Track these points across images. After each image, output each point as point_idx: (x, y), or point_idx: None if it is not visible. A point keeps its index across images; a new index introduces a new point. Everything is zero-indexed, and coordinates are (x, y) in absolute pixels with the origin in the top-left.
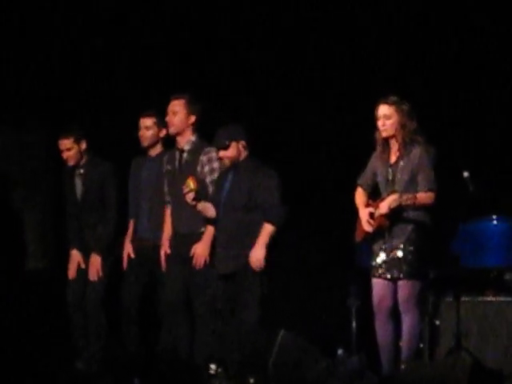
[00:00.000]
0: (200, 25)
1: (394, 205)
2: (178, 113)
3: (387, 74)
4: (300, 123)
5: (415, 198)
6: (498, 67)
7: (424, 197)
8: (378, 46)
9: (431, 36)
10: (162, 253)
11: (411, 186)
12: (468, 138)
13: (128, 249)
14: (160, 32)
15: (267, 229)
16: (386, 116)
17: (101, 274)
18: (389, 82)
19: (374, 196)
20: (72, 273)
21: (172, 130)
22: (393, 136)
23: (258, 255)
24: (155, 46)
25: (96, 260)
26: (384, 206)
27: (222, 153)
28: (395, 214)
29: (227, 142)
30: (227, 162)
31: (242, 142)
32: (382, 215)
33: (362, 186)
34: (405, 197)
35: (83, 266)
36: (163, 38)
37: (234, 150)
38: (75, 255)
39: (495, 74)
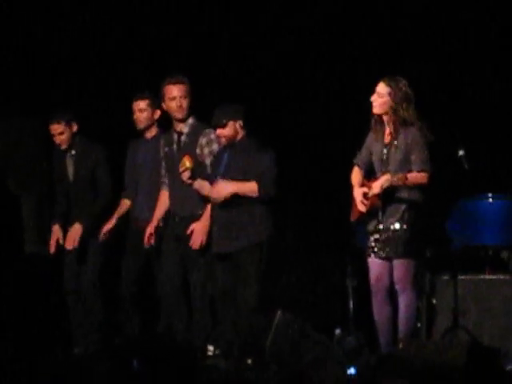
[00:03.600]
0: (196, 6)
1: (386, 185)
2: (187, 97)
3: (384, 52)
4: (296, 103)
5: (406, 178)
6: (494, 45)
7: (416, 177)
8: (374, 27)
9: (428, 16)
10: (148, 229)
11: (405, 165)
12: (463, 116)
13: (112, 221)
14: (153, 12)
15: (251, 185)
16: (380, 94)
17: (76, 243)
18: (385, 59)
19: (372, 176)
20: (52, 248)
21: (184, 115)
22: (385, 113)
23: (225, 185)
24: (148, 26)
25: (75, 229)
26: (376, 186)
27: (219, 131)
28: (388, 194)
29: (224, 121)
30: (224, 141)
31: (240, 122)
32: (374, 195)
33: (358, 165)
34: (396, 177)
35: (61, 241)
36: (157, 19)
37: (231, 129)
38: (56, 230)
39: (490, 51)
